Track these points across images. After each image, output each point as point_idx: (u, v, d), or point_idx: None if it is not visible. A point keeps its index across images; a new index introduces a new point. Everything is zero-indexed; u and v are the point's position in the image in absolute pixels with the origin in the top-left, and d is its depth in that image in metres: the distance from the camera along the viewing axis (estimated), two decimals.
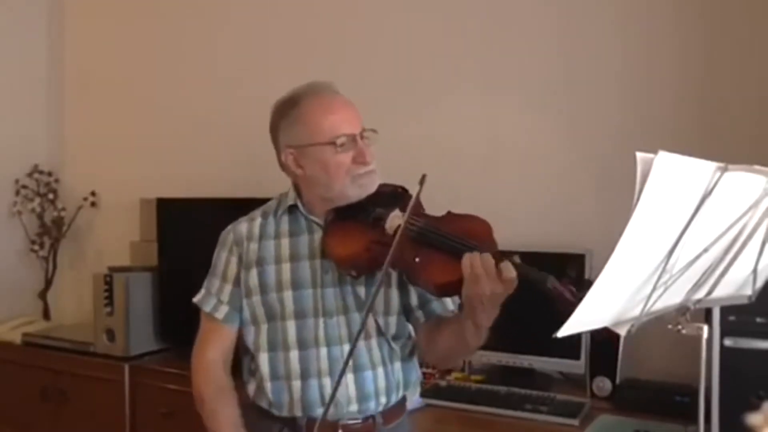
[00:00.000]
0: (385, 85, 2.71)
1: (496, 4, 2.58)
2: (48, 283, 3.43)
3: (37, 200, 3.39)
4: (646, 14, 2.35)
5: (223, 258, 1.67)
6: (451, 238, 1.48)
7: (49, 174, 3.45)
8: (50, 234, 3.41)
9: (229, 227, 1.70)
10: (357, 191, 1.56)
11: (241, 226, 1.68)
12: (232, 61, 3.10)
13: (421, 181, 1.39)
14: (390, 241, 1.44)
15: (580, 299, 1.08)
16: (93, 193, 3.41)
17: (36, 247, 3.40)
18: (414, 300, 1.65)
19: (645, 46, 2.35)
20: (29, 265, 3.43)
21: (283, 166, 1.64)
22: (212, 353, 1.68)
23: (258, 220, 1.67)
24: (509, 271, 1.37)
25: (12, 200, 3.37)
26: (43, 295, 3.42)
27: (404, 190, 1.64)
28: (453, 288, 1.45)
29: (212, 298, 1.67)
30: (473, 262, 1.38)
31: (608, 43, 2.40)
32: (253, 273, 1.63)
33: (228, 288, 1.66)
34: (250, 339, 1.64)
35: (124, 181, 3.33)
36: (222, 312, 1.66)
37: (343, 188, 1.55)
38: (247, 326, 1.65)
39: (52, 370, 2.88)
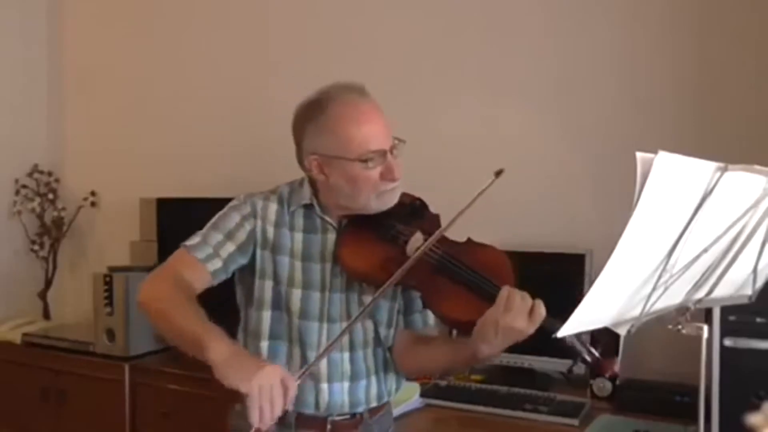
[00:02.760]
0: (384, 85, 2.69)
1: (495, 4, 2.58)
2: (48, 283, 3.43)
3: (37, 200, 3.38)
4: (645, 14, 2.35)
5: (235, 219, 1.58)
6: (472, 274, 1.47)
7: (49, 174, 3.45)
8: (50, 234, 3.41)
9: (245, 197, 1.61)
10: (379, 205, 1.54)
11: (258, 203, 1.60)
12: (232, 61, 3.10)
13: (497, 174, 1.41)
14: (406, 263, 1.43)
15: (597, 360, 1.11)
16: (93, 193, 3.40)
17: (36, 247, 3.40)
18: (400, 305, 1.65)
19: (644, 45, 2.35)
20: (29, 265, 3.43)
21: (305, 169, 1.59)
22: (185, 275, 1.53)
23: (274, 206, 1.60)
24: (541, 308, 1.38)
25: (12, 200, 3.37)
26: (43, 294, 3.42)
27: (423, 204, 1.64)
28: (470, 326, 1.44)
29: (208, 248, 1.55)
30: (511, 295, 1.38)
31: (608, 43, 2.40)
32: (268, 257, 1.58)
33: (230, 248, 1.56)
34: (251, 324, 1.61)
35: (124, 181, 3.33)
36: (214, 265, 1.55)
37: (367, 202, 1.53)
38: (251, 308, 1.61)
39: (52, 370, 2.88)
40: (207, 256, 1.55)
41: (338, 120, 1.50)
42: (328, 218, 1.60)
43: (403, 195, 1.59)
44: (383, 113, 1.54)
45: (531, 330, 1.37)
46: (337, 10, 2.87)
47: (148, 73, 3.33)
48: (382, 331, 1.61)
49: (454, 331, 1.80)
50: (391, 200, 1.55)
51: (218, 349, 1.34)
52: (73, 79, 3.57)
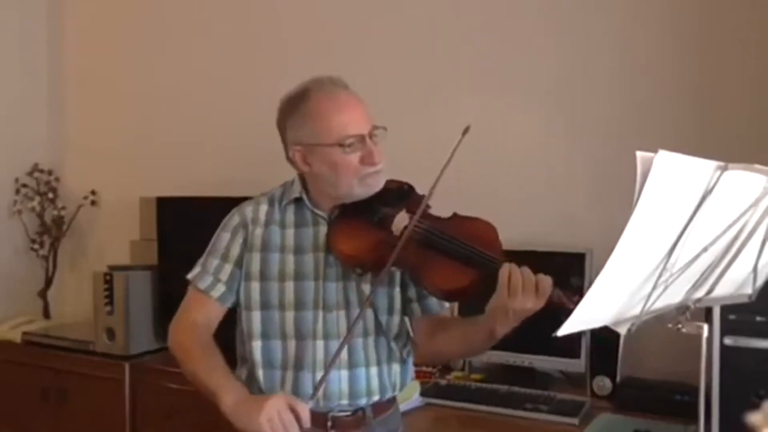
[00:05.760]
0: (384, 84, 2.71)
1: (495, 4, 2.58)
2: (48, 282, 3.43)
3: (38, 199, 3.38)
4: (645, 14, 2.35)
5: (226, 238, 1.64)
6: (458, 243, 1.48)
7: (50, 173, 3.45)
8: (50, 233, 3.41)
9: (234, 210, 1.68)
10: (364, 190, 1.57)
11: (247, 209, 1.66)
12: (232, 61, 3.10)
13: (464, 132, 1.51)
14: (396, 243, 1.46)
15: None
16: (93, 192, 3.40)
17: (36, 246, 3.40)
18: (412, 293, 1.65)
19: (644, 45, 2.35)
20: (29, 264, 3.43)
21: (291, 161, 1.63)
22: (198, 318, 1.64)
23: (264, 207, 1.65)
24: (547, 282, 1.39)
25: (12, 199, 3.37)
26: (43, 293, 3.42)
27: (410, 188, 1.65)
28: (459, 294, 1.47)
29: (209, 277, 1.63)
30: (512, 274, 1.39)
31: (608, 43, 2.40)
32: (256, 258, 1.62)
33: (228, 268, 1.63)
34: (243, 324, 1.63)
35: (124, 180, 3.33)
36: (218, 291, 1.62)
37: (350, 187, 1.56)
38: (240, 310, 1.64)
39: (53, 370, 2.88)
40: (209, 284, 1.64)
41: (318, 109, 1.56)
42: (318, 211, 1.63)
43: (391, 181, 1.62)
44: (363, 103, 1.59)
45: (541, 304, 1.39)
46: (338, 9, 2.87)
47: (147, 72, 3.33)
48: (383, 319, 1.62)
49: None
50: (376, 184, 1.57)
51: (227, 401, 1.48)
52: (73, 79, 3.57)
